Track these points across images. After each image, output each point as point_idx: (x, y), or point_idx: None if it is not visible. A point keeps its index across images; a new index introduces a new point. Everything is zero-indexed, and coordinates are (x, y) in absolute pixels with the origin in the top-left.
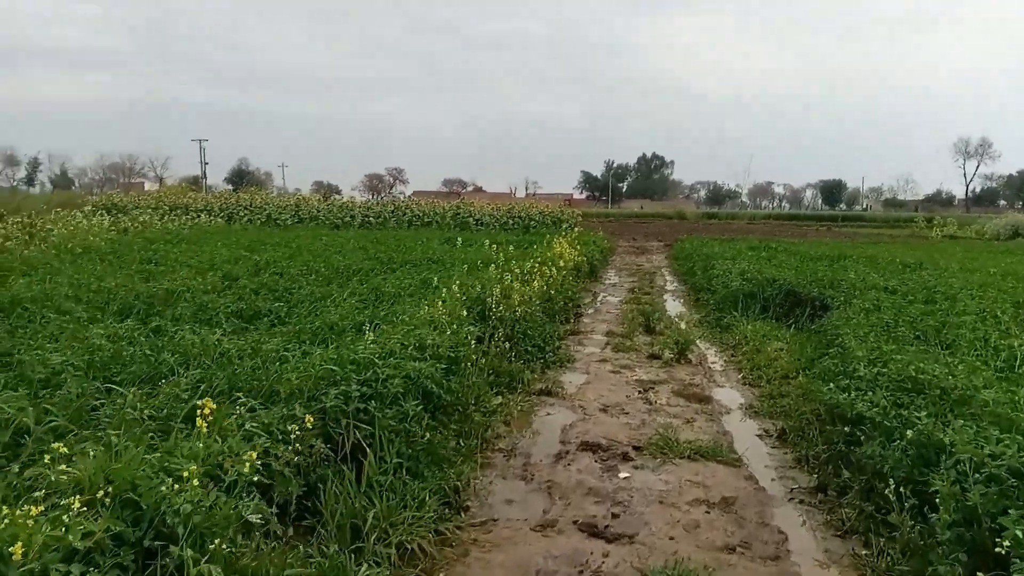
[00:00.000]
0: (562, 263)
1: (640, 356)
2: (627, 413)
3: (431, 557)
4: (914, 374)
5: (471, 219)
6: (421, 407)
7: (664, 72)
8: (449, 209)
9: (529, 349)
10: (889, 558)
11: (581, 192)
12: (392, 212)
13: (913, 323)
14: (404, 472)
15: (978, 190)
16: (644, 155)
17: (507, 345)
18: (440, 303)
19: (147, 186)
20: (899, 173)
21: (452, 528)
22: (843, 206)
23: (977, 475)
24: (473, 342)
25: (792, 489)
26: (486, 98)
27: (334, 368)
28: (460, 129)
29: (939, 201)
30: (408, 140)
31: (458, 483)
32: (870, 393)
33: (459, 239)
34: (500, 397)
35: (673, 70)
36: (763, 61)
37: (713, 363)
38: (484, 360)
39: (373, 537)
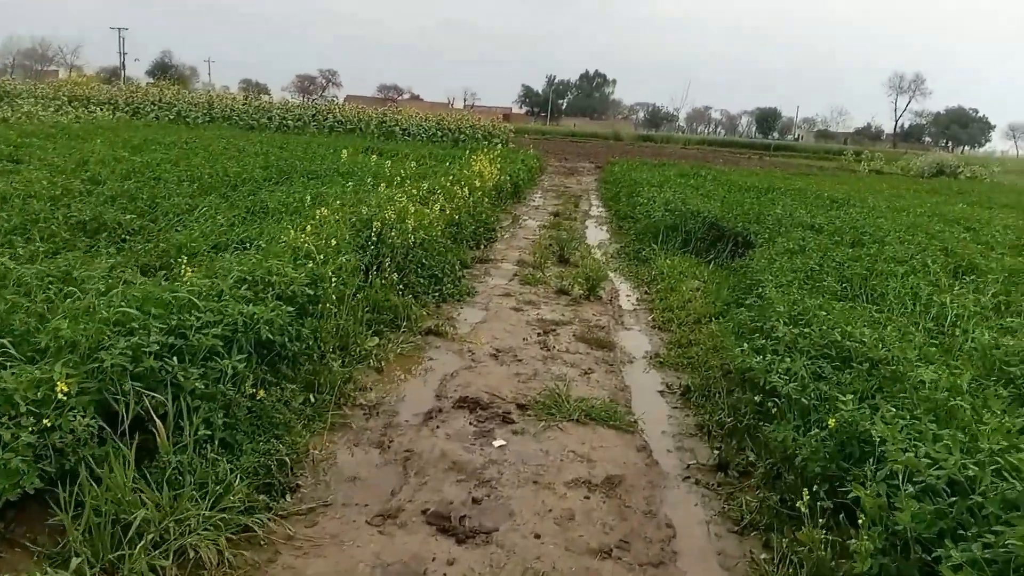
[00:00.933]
0: (478, 183)
1: (548, 291)
2: (520, 360)
3: (225, 565)
4: (840, 339)
5: (398, 128)
6: (247, 362)
7: None
8: (375, 117)
9: (423, 280)
10: (793, 568)
11: (521, 107)
12: (313, 116)
13: (839, 269)
14: (217, 446)
15: (907, 126)
16: (587, 72)
17: (395, 277)
18: (308, 227)
19: (61, 75)
20: (833, 104)
21: (267, 520)
22: (776, 135)
23: (910, 486)
24: (349, 273)
25: (689, 465)
26: (429, 2)
27: (131, 311)
28: (400, 34)
29: (868, 135)
30: (345, 41)
31: (288, 456)
32: (788, 360)
33: (368, 151)
34: (378, 339)
35: None
36: None
37: (625, 301)
38: (362, 294)
39: (146, 540)
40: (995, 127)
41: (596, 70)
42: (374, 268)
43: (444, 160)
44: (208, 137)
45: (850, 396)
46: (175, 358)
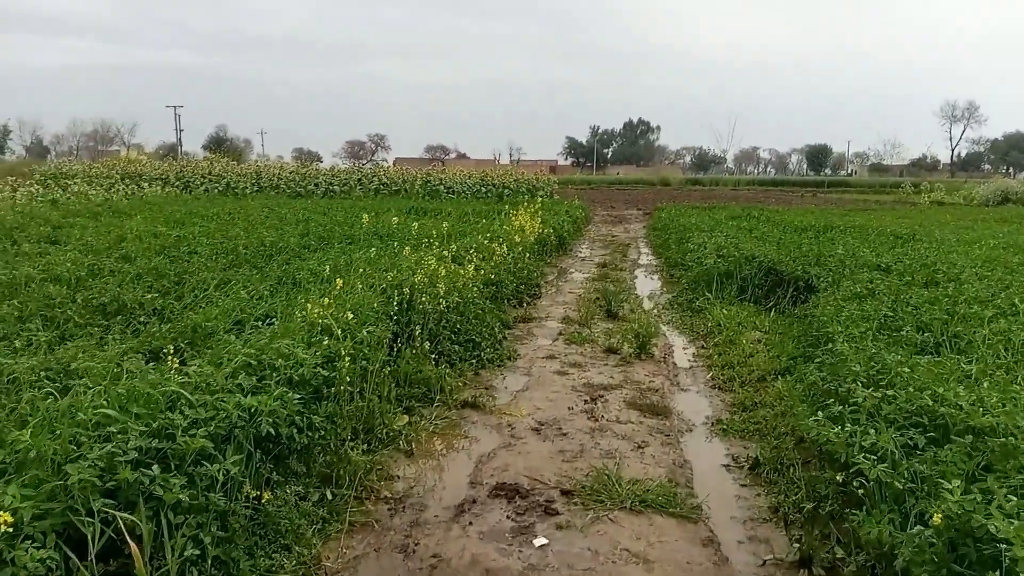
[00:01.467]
0: (518, 239)
1: (596, 350)
2: (564, 434)
3: None
4: (931, 404)
5: (442, 187)
6: (246, 462)
7: (651, 35)
8: (419, 176)
9: (459, 347)
10: None
11: (566, 158)
12: (359, 180)
13: (915, 314)
14: (209, 567)
15: (963, 154)
16: (630, 120)
17: (427, 345)
18: (326, 299)
19: (122, 154)
20: (886, 137)
21: None
22: (828, 171)
23: None
24: (374, 347)
25: (765, 562)
26: (471, 64)
27: (111, 412)
28: (445, 95)
29: (924, 166)
30: (392, 106)
31: (296, 570)
32: (872, 432)
33: (408, 212)
34: (408, 417)
35: (661, 33)
36: (750, 24)
37: (679, 357)
38: (389, 368)
39: None
40: None
41: (640, 118)
42: (404, 337)
43: (487, 216)
44: (252, 207)
45: (956, 482)
46: (157, 466)
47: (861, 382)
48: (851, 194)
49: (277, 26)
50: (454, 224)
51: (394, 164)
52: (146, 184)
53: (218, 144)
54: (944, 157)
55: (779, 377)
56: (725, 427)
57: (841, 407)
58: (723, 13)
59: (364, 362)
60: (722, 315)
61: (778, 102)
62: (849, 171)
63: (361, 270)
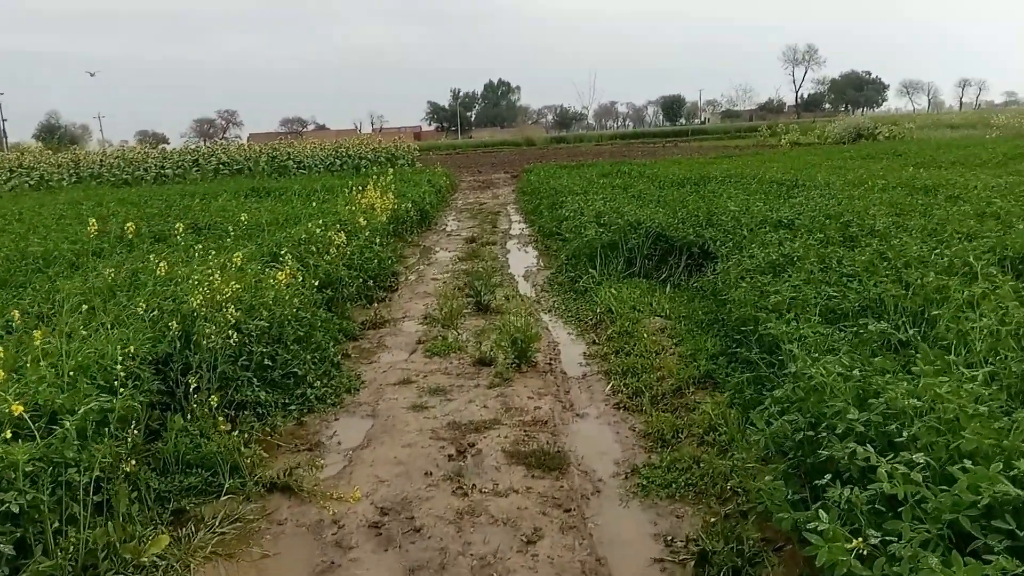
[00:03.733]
0: (364, 221)
1: (464, 362)
2: (419, 531)
3: None
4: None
5: (291, 162)
6: None
7: None
8: (264, 152)
9: (268, 391)
10: None
11: (430, 124)
12: (195, 161)
13: (860, 289)
14: None
15: (806, 96)
16: (491, 82)
17: (215, 400)
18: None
19: None
20: (737, 83)
21: None
22: (683, 120)
23: None
24: (121, 423)
25: None
26: (325, 33)
27: None
28: (297, 66)
29: (771, 109)
30: (244, 82)
31: None
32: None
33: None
34: (173, 530)
35: None
36: None
37: (568, 363)
38: (129, 465)
39: None
40: (889, 86)
41: (499, 79)
42: (180, 396)
43: (340, 191)
44: (47, 203)
45: None
46: None
47: (861, 438)
48: (710, 141)
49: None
50: (295, 205)
51: (248, 141)
52: None
53: (51, 132)
54: (789, 100)
55: (699, 388)
56: (645, 481)
57: (841, 490)
58: None
59: (75, 469)
60: (611, 296)
61: (632, 56)
62: (703, 119)
63: (119, 297)
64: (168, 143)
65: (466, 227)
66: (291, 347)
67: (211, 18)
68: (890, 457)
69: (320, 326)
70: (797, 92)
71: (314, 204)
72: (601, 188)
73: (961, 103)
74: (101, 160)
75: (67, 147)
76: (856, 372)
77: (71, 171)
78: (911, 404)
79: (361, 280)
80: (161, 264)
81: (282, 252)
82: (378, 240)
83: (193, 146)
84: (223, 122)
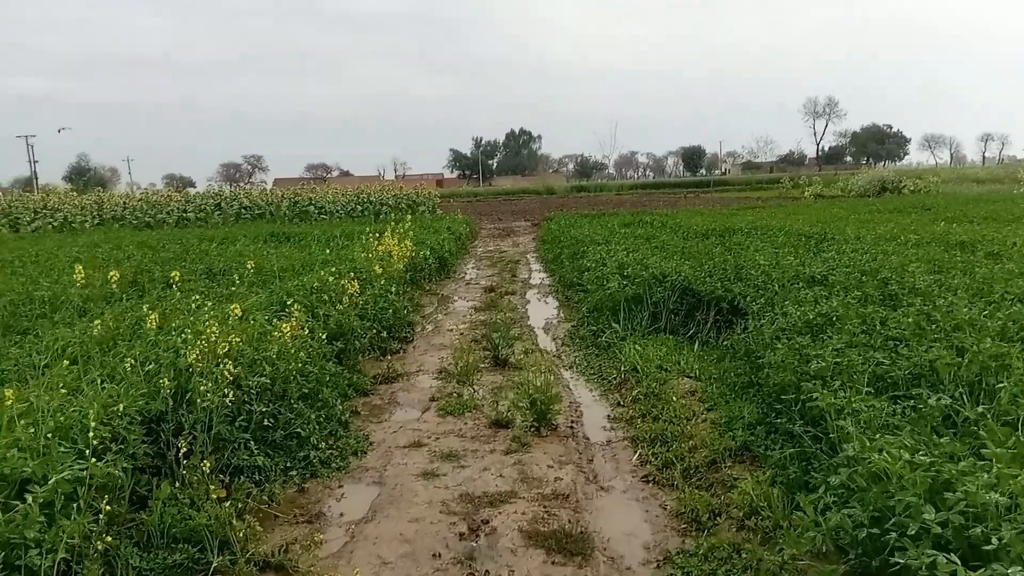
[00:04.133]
0: (379, 269)
1: (479, 423)
2: None
3: None
4: None
5: (312, 207)
6: None
7: (528, 47)
8: (286, 197)
9: (267, 455)
10: None
11: (452, 171)
12: (217, 205)
13: (909, 354)
14: None
15: (827, 148)
16: (512, 131)
17: (208, 465)
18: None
19: None
20: (759, 135)
21: None
22: (703, 171)
23: None
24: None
25: None
26: (350, 79)
27: None
28: (325, 113)
29: (792, 161)
30: (269, 126)
31: None
32: None
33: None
34: None
35: (536, 45)
36: (623, 33)
37: (591, 426)
38: (99, 544)
39: None
40: (910, 140)
41: (521, 128)
42: (172, 458)
43: (360, 237)
44: (74, 245)
45: None
46: None
47: (939, 541)
48: (731, 192)
49: (136, 46)
50: (312, 251)
51: (273, 186)
52: None
53: (80, 174)
54: (811, 152)
55: (736, 461)
56: (680, 572)
57: None
58: (597, 22)
59: (37, 551)
60: (636, 353)
61: (653, 108)
62: (723, 170)
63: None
64: (195, 187)
65: (485, 276)
66: (295, 405)
67: (238, 65)
68: (981, 573)
69: (328, 381)
70: (818, 144)
71: (329, 251)
72: (623, 238)
73: (984, 157)
74: (124, 203)
75: (95, 190)
76: (924, 458)
77: (94, 213)
78: (993, 500)
79: (375, 331)
80: (152, 316)
81: (290, 302)
82: (394, 289)
83: (216, 190)
84: (249, 167)
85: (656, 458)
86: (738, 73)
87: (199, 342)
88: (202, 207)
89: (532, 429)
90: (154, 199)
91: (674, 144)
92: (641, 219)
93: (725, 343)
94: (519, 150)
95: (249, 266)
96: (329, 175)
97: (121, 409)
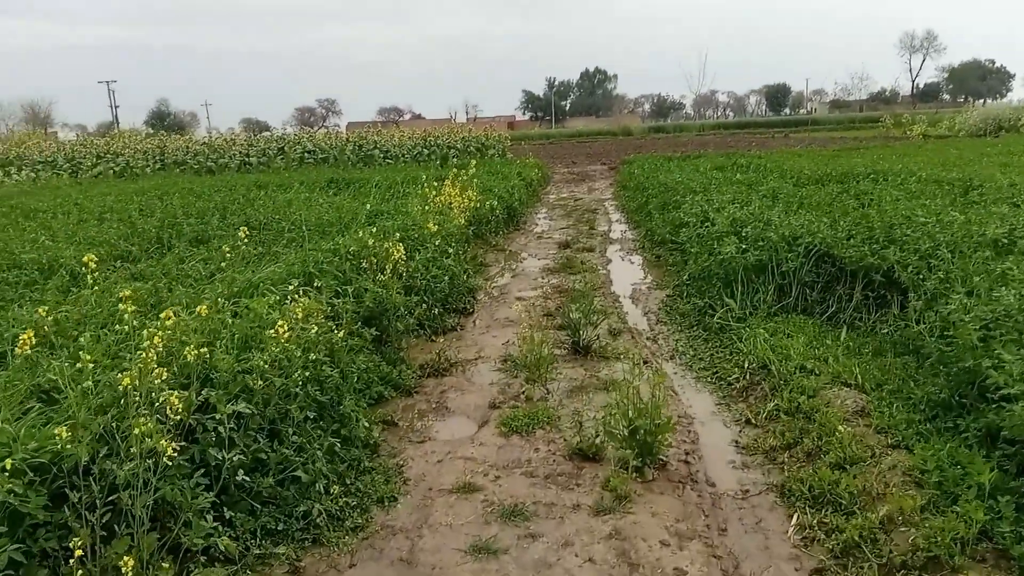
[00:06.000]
0: (433, 226)
1: (556, 451)
2: None
3: None
4: None
5: (377, 151)
6: None
7: None
8: (351, 141)
9: (253, 514)
10: None
11: (524, 113)
12: (280, 149)
13: None
14: None
15: (922, 86)
16: (587, 70)
17: (128, 565)
18: None
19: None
20: (854, 71)
21: None
22: (788, 111)
23: None
24: None
25: None
26: (421, 23)
27: None
28: (397, 56)
29: (883, 99)
30: (341, 70)
31: None
32: None
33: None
34: None
35: None
36: None
37: (714, 463)
38: None
39: None
40: (1015, 76)
41: (596, 67)
42: (79, 545)
43: (423, 183)
44: (123, 191)
45: None
46: None
47: None
48: (823, 132)
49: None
50: (371, 199)
51: (347, 129)
52: (24, 170)
53: (160, 119)
54: (905, 89)
55: (973, 558)
56: None
57: None
58: None
59: None
60: (764, 343)
61: (732, 44)
62: (809, 109)
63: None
64: (270, 130)
65: (559, 228)
66: (296, 434)
67: (314, 11)
68: None
69: (356, 384)
70: (914, 81)
71: (387, 201)
72: (722, 185)
73: None
74: (187, 147)
75: (177, 134)
76: None
77: (156, 158)
78: None
79: (425, 307)
80: (127, 304)
81: (321, 269)
82: (452, 250)
83: (279, 134)
84: (323, 111)
85: (829, 535)
86: (828, 7)
87: (143, 358)
88: (265, 151)
89: (631, 469)
90: (216, 143)
91: (756, 82)
92: (735, 162)
93: (885, 331)
94: (594, 90)
95: (298, 216)
96: (401, 118)
97: (9, 465)
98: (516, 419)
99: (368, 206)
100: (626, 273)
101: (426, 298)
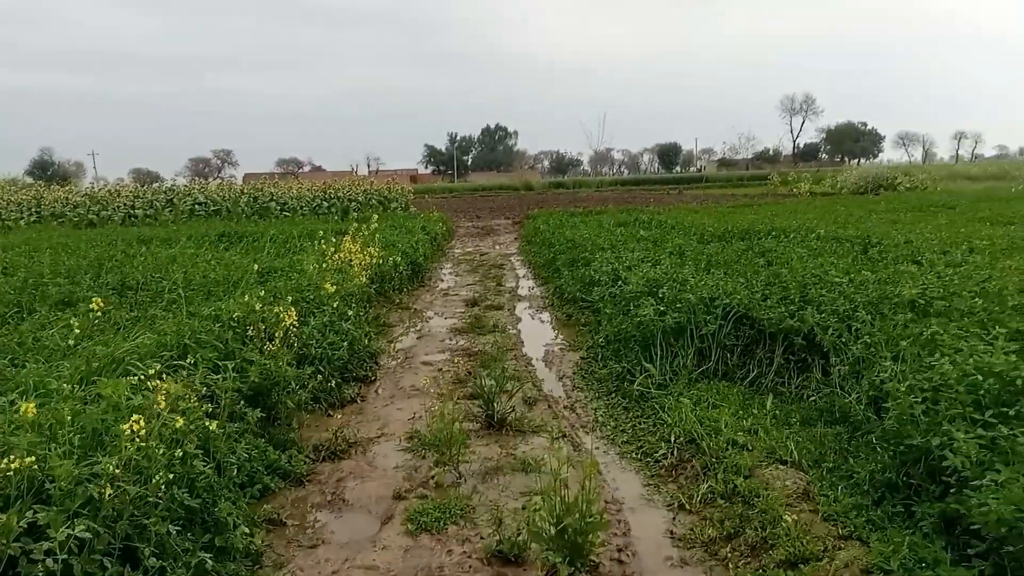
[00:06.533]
0: (330, 287)
1: (472, 554)
2: None
3: None
4: None
5: (273, 203)
6: None
7: (501, 42)
8: (245, 192)
9: None
10: None
11: (427, 167)
12: (168, 201)
13: None
14: None
15: (802, 146)
16: (488, 126)
17: None
18: None
19: None
20: (741, 131)
21: None
22: (679, 168)
23: None
24: None
25: None
26: (323, 74)
27: None
28: (297, 107)
29: (767, 158)
30: (240, 121)
31: None
32: None
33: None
34: None
35: (511, 41)
36: (595, 31)
37: (654, 565)
38: None
39: None
40: (884, 137)
41: (497, 123)
42: None
43: (323, 237)
44: None
45: None
46: None
47: None
48: (713, 189)
49: (104, 41)
50: (264, 254)
51: (244, 180)
52: None
53: (43, 168)
54: (787, 149)
55: None
56: None
57: None
58: (566, 21)
59: None
60: (689, 413)
61: (626, 104)
62: (699, 167)
63: None
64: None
65: (465, 284)
66: (155, 555)
67: (209, 60)
68: None
69: (234, 480)
70: (795, 141)
71: (282, 257)
72: (628, 241)
73: (957, 155)
74: (66, 198)
75: (60, 184)
76: None
77: (31, 210)
78: None
79: (320, 378)
80: None
81: (198, 340)
82: (351, 312)
83: (168, 184)
84: (219, 161)
85: None
86: (713, 72)
87: None
88: (152, 203)
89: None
90: (99, 195)
91: (649, 141)
92: (636, 218)
93: (812, 399)
94: (495, 146)
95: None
96: (300, 170)
97: None
98: (425, 513)
99: (257, 265)
100: (537, 333)
101: (322, 368)
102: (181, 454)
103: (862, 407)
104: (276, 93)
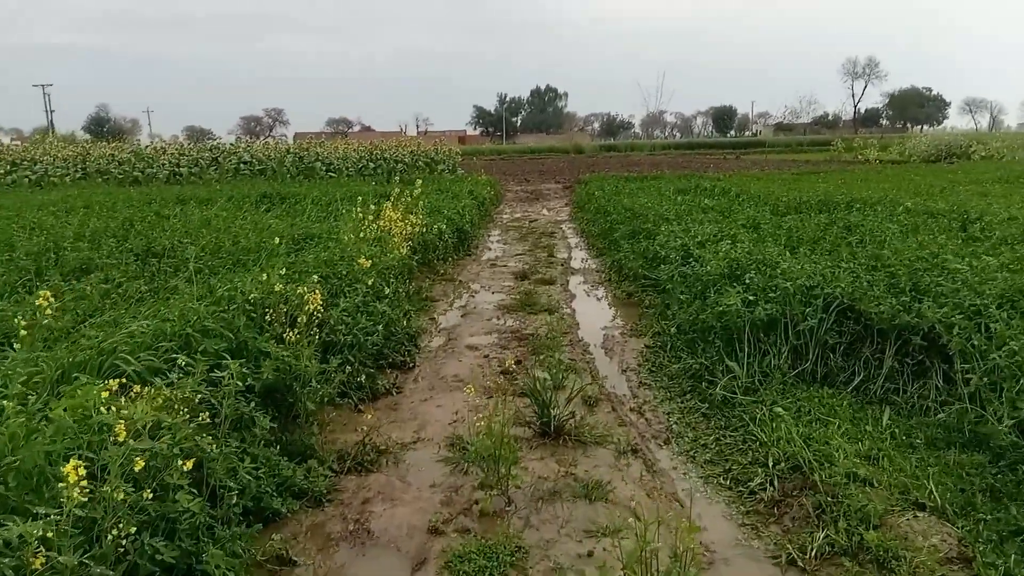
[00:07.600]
0: (365, 261)
1: None
2: None
3: None
4: None
5: (319, 164)
6: None
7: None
8: (290, 152)
9: None
10: None
11: (475, 128)
12: (213, 160)
13: None
14: None
15: (863, 111)
16: (538, 87)
17: None
18: None
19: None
20: (802, 94)
21: None
22: (733, 133)
23: None
24: None
25: None
26: (374, 38)
27: None
28: (346, 68)
29: (826, 124)
30: (290, 81)
31: None
32: None
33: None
34: None
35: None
36: None
37: None
38: None
39: None
40: (950, 103)
41: (547, 85)
42: None
43: (365, 199)
44: (22, 204)
45: None
46: None
47: None
48: (772, 154)
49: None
50: (306, 217)
51: (294, 139)
52: None
53: (100, 125)
54: (847, 114)
55: None
56: None
57: None
58: None
59: None
60: (789, 429)
61: (679, 66)
62: (754, 131)
63: None
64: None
65: (514, 254)
66: None
67: (264, 20)
68: None
69: (233, 510)
70: (856, 106)
71: (323, 221)
72: (693, 211)
73: None
74: (112, 155)
75: (110, 141)
76: None
77: (77, 167)
78: None
79: (349, 370)
80: None
81: (204, 328)
82: (388, 290)
83: (214, 143)
84: (269, 120)
85: None
86: (773, 30)
87: None
88: (197, 161)
89: None
90: (145, 152)
91: (702, 104)
92: (697, 184)
93: (940, 415)
94: (544, 107)
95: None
96: (350, 130)
97: None
98: (466, 558)
99: (294, 231)
100: (594, 313)
101: (352, 357)
102: (151, 496)
103: (1007, 430)
104: (327, 56)
